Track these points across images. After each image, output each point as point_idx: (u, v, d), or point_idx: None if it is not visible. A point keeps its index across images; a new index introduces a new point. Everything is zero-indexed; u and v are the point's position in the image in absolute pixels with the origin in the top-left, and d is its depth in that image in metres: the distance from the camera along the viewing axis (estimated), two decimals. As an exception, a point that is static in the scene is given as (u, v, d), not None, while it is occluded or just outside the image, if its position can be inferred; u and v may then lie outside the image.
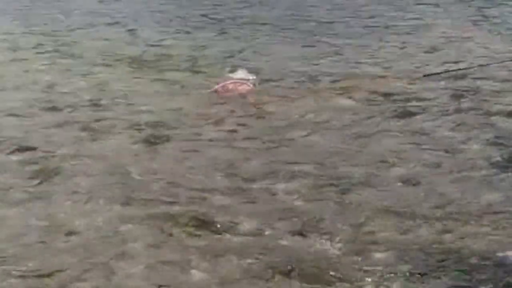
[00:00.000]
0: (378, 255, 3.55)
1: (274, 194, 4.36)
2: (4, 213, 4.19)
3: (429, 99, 6.17)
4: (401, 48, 8.21)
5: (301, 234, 3.80)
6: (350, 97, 6.28)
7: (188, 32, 9.60)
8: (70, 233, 3.91)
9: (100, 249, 3.70)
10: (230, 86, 6.37)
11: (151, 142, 5.37)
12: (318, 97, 6.33)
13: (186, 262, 3.54)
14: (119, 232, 3.90)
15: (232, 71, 7.07)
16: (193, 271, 3.46)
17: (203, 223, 3.95)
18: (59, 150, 5.22)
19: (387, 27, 9.43)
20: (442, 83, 6.60)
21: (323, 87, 6.65)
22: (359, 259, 3.52)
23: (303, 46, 8.55)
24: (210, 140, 5.39)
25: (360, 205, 4.13)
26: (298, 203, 4.21)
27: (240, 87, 6.38)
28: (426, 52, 7.97)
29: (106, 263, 3.56)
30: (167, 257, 3.61)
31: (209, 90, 6.42)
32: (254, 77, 6.74)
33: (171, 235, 3.85)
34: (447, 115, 5.76)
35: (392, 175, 4.58)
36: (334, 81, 6.84)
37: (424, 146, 5.09)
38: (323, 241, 3.72)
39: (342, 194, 4.30)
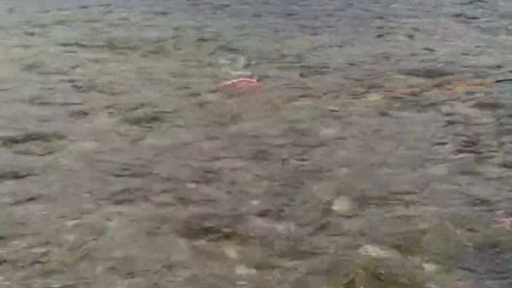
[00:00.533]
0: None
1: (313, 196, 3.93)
2: None
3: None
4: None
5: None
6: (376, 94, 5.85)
7: (186, 15, 9.30)
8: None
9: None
10: (236, 84, 6.05)
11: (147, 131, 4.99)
12: (328, 94, 5.87)
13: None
14: (152, 235, 3.50)
15: (231, 61, 6.82)
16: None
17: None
18: (50, 134, 4.87)
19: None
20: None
21: (332, 82, 6.22)
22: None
23: (310, 34, 8.22)
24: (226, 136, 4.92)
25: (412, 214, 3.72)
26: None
27: (246, 84, 6.07)
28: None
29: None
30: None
31: (215, 87, 6.01)
32: (247, 60, 6.52)
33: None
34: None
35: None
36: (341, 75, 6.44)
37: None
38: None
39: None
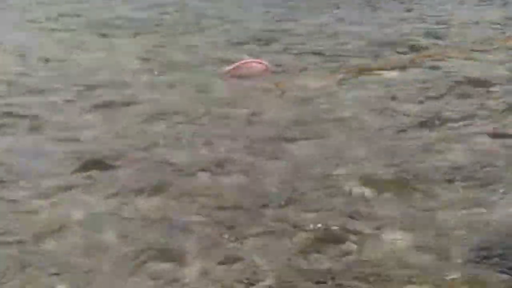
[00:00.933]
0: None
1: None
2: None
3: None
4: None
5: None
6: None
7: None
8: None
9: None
10: (243, 66, 5.81)
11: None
12: (342, 76, 5.70)
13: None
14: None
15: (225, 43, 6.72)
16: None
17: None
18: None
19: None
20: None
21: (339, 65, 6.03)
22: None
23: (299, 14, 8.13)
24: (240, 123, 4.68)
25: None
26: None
27: (253, 67, 5.84)
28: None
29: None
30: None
31: (221, 72, 5.77)
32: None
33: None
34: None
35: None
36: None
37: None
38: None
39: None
